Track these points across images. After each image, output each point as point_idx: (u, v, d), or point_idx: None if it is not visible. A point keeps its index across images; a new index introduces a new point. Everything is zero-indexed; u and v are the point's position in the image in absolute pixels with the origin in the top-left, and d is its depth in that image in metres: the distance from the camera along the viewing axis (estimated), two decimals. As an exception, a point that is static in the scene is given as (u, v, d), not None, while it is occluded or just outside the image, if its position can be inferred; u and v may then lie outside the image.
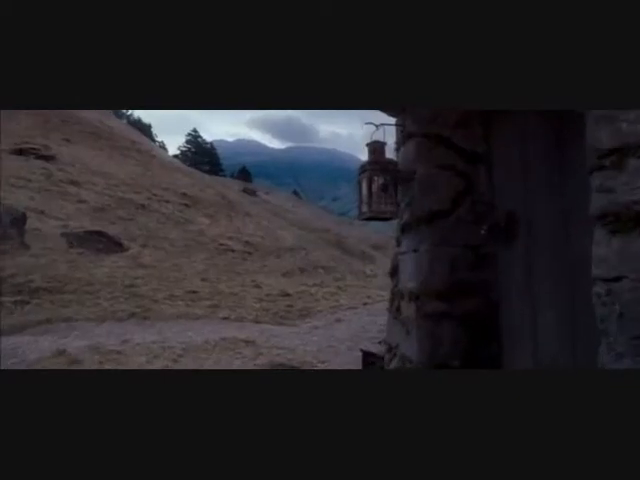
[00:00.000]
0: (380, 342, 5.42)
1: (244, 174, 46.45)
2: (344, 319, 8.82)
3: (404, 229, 2.75)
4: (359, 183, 2.56)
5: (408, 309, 2.60)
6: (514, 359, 2.34)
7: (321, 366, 6.00)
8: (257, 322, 8.75)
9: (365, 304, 10.28)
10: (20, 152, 16.16)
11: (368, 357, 4.88)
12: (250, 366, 5.88)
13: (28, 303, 9.08)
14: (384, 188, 2.54)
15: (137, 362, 5.90)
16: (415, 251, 2.60)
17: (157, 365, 5.83)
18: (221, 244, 16.37)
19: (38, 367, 5.92)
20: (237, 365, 5.91)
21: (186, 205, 19.15)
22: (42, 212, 13.84)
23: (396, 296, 2.92)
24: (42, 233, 12.84)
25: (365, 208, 2.49)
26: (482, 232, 2.49)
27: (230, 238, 17.21)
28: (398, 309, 2.83)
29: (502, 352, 2.39)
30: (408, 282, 2.64)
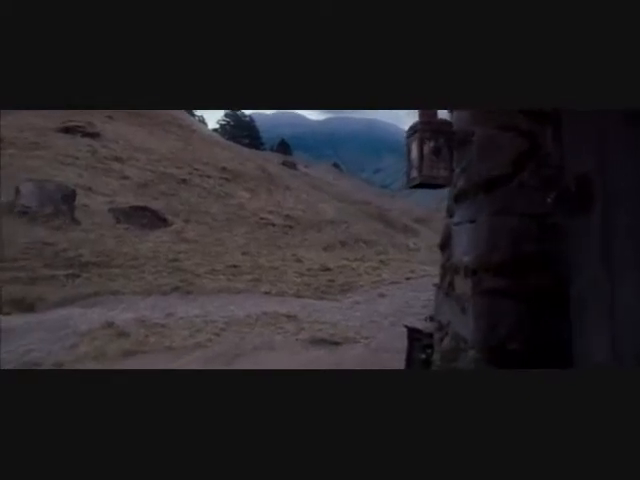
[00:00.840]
0: (426, 318, 5.19)
1: (283, 147, 46.12)
2: (387, 294, 8.64)
3: (458, 197, 2.49)
4: (408, 146, 2.31)
5: (463, 285, 2.37)
6: (586, 342, 2.08)
7: (364, 342, 5.86)
8: (298, 296, 8.70)
9: (408, 279, 10.03)
10: (67, 130, 16.62)
11: (413, 333, 4.68)
12: (292, 341, 5.82)
13: (78, 276, 9.40)
14: (436, 151, 2.28)
15: (181, 335, 5.97)
16: (471, 222, 2.34)
17: (200, 339, 5.87)
18: (262, 218, 16.41)
19: (88, 338, 6.10)
20: (279, 340, 5.86)
21: (226, 179, 19.26)
22: (89, 188, 14.24)
23: (448, 271, 2.69)
24: (90, 209, 13.23)
25: (415, 173, 2.24)
26: (549, 200, 2.21)
27: (270, 212, 17.21)
28: (451, 285, 2.60)
29: (572, 334, 2.13)
30: (463, 256, 2.39)
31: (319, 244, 14.83)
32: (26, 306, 7.69)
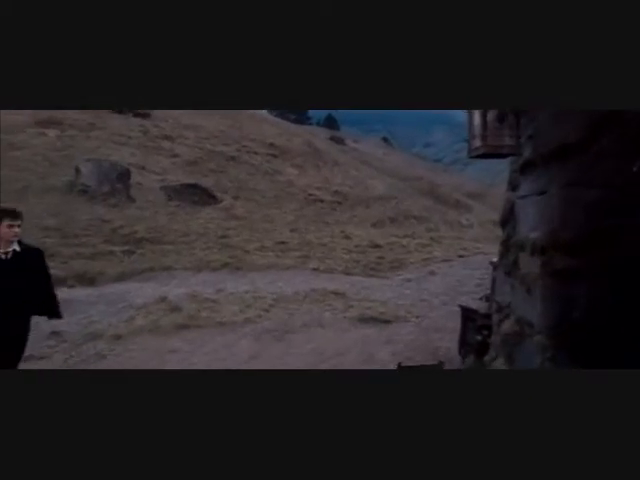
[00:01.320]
0: (481, 298, 4.96)
1: (330, 122, 45.40)
2: (438, 272, 8.37)
3: (525, 168, 2.26)
4: (470, 113, 2.10)
5: (530, 264, 2.16)
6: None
7: (414, 321, 5.71)
8: (347, 274, 8.59)
9: (460, 256, 9.69)
10: (120, 111, 17.07)
11: (468, 313, 4.48)
12: (340, 318, 5.76)
13: (134, 252, 9.73)
14: (501, 118, 2.06)
15: (230, 311, 6.04)
16: (540, 194, 2.12)
17: (250, 314, 5.92)
18: (310, 194, 16.32)
19: (143, 311, 6.30)
20: (327, 317, 5.81)
21: (274, 155, 19.24)
22: (142, 167, 14.62)
23: (511, 248, 2.48)
24: (143, 187, 13.60)
25: (478, 143, 2.04)
26: (635, 168, 1.95)
27: (319, 188, 17.08)
28: (515, 264, 2.39)
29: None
30: (530, 232, 2.18)
31: (368, 220, 14.61)
32: (88, 280, 8.06)
